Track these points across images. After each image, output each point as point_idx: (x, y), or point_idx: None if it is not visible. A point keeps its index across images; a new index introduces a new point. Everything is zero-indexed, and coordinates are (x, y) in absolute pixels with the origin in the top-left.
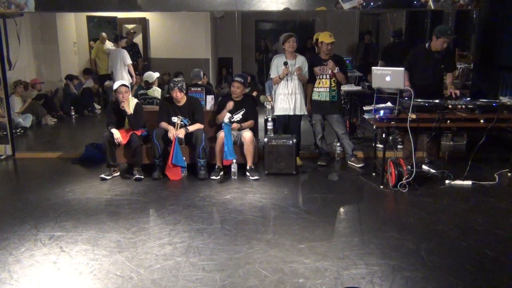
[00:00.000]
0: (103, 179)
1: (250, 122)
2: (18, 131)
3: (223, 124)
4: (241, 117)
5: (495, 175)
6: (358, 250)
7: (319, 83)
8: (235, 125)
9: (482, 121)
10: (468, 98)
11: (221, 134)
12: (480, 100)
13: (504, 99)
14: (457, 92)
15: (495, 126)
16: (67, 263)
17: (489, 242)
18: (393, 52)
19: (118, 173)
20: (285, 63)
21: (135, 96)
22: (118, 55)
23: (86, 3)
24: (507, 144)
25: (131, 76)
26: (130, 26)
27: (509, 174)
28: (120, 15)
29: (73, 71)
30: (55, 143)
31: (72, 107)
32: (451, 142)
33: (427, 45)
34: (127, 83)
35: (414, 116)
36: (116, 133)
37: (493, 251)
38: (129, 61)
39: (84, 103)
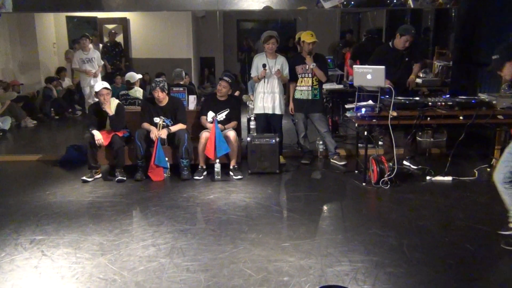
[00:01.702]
0: (84, 181)
1: (233, 123)
2: None
3: (209, 121)
4: (224, 117)
5: (475, 171)
6: (341, 247)
7: (301, 81)
8: (219, 126)
9: (461, 117)
10: (448, 95)
11: (204, 134)
12: (459, 97)
13: (483, 96)
14: (412, 84)
15: (474, 123)
16: (49, 267)
17: (470, 236)
18: (365, 51)
19: (100, 175)
20: (264, 66)
21: (117, 97)
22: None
23: (65, 3)
24: (486, 140)
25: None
26: (110, 26)
27: (488, 169)
28: (100, 15)
29: (53, 72)
30: (35, 146)
31: (52, 109)
32: (432, 139)
33: (390, 43)
34: (108, 86)
35: (395, 114)
36: (98, 135)
37: (474, 245)
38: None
39: (65, 105)
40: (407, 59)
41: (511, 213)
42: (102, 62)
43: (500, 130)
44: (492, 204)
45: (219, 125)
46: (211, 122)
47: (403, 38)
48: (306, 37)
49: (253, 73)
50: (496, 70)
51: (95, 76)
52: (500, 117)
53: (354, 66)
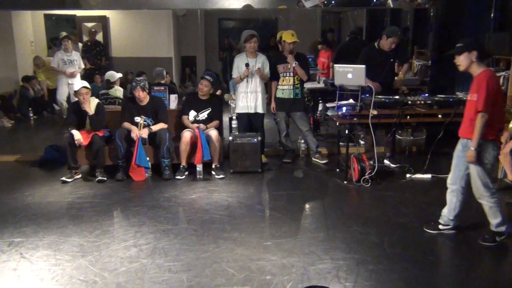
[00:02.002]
0: (64, 181)
1: (215, 123)
2: None
3: (195, 127)
4: (206, 116)
5: None
6: (323, 245)
7: (283, 81)
8: (201, 125)
9: (440, 116)
10: (427, 94)
11: (185, 134)
12: (438, 96)
13: (460, 95)
14: (404, 88)
15: (453, 121)
16: (28, 269)
17: (449, 233)
18: (348, 51)
19: (80, 175)
20: (247, 65)
21: (96, 96)
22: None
23: (43, 1)
24: None
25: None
26: (90, 25)
27: None
28: (80, 13)
29: (31, 71)
30: (13, 146)
31: (30, 109)
32: (411, 137)
33: (376, 44)
34: (88, 85)
35: (375, 112)
36: (77, 134)
37: (453, 241)
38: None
39: (43, 104)
40: (392, 60)
41: (443, 214)
42: (83, 66)
43: None
44: (469, 201)
45: (201, 125)
46: (193, 123)
47: (390, 39)
48: (287, 36)
49: (235, 74)
50: (454, 55)
51: (73, 76)
52: None
53: (335, 65)
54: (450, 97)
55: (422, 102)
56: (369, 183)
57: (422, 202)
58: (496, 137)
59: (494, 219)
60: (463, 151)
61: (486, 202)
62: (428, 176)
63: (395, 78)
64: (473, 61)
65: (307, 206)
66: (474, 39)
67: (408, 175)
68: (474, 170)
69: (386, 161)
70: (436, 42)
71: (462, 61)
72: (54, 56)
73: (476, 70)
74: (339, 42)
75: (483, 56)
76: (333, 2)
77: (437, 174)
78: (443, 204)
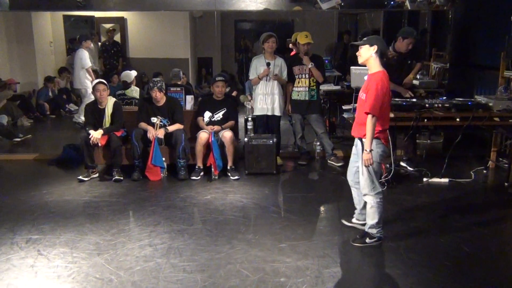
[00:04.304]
0: (81, 180)
1: (231, 123)
2: None
3: (211, 138)
4: (221, 116)
5: (471, 173)
6: (338, 249)
7: (298, 82)
8: (216, 127)
9: (458, 119)
10: (445, 97)
11: (201, 134)
12: (456, 99)
13: (479, 98)
14: (422, 91)
15: (471, 125)
16: (45, 266)
17: (466, 238)
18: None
19: (96, 175)
20: (268, 64)
21: (113, 96)
22: (77, 56)
23: (63, 2)
24: (483, 142)
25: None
26: (108, 26)
27: (484, 171)
28: (98, 14)
29: (50, 71)
30: (31, 145)
31: (47, 107)
32: (428, 141)
33: (391, 47)
34: (105, 82)
35: (392, 115)
36: (93, 133)
37: (470, 247)
38: (87, 63)
39: (60, 103)
40: (409, 61)
41: (357, 209)
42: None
43: (496, 132)
44: (488, 206)
45: (217, 127)
46: (208, 123)
47: (406, 40)
48: (301, 38)
49: (252, 75)
50: (357, 46)
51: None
52: (496, 119)
53: (351, 67)
54: (468, 101)
55: (440, 105)
56: (385, 187)
57: (438, 207)
58: (381, 135)
59: (371, 220)
60: (358, 151)
61: (369, 200)
62: (446, 180)
63: (408, 76)
64: (371, 56)
65: (322, 208)
66: (380, 38)
67: (425, 179)
68: (362, 167)
69: (402, 164)
70: (454, 45)
71: (362, 53)
72: (85, 57)
73: (373, 67)
74: None
75: (382, 54)
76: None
77: (455, 178)
78: (460, 208)
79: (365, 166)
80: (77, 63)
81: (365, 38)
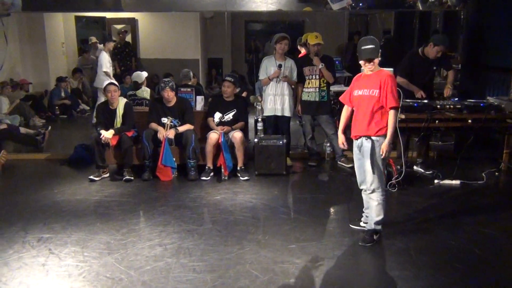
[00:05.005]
0: (92, 180)
1: (241, 124)
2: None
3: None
4: (231, 117)
5: (483, 175)
6: (348, 250)
7: (309, 83)
8: (226, 128)
9: (470, 121)
10: (457, 99)
11: (211, 135)
12: (468, 100)
13: (491, 99)
14: (450, 92)
15: (483, 126)
16: (56, 265)
17: (477, 240)
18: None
19: (107, 174)
20: (280, 66)
21: (124, 96)
22: (99, 57)
23: (75, 3)
24: (494, 144)
25: None
26: (119, 26)
27: (496, 173)
28: (109, 15)
29: (62, 71)
30: (43, 144)
31: (57, 107)
32: (440, 142)
33: (420, 50)
34: (116, 83)
35: (403, 116)
36: (104, 133)
37: (481, 249)
38: (104, 67)
39: (72, 103)
40: (435, 67)
41: (365, 213)
42: None
43: (509, 134)
44: (500, 208)
45: (227, 128)
46: (218, 124)
47: (436, 48)
48: (311, 39)
49: (262, 76)
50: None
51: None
52: (509, 120)
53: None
54: (480, 102)
55: (452, 106)
56: (396, 188)
57: (450, 209)
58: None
59: (377, 216)
60: (363, 151)
61: (376, 197)
62: (457, 182)
63: (446, 87)
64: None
65: (331, 210)
66: (377, 42)
67: (436, 181)
68: (373, 164)
69: (416, 167)
70: (466, 46)
71: (376, 62)
72: (104, 59)
73: (377, 67)
74: None
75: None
76: (361, 4)
77: (466, 180)
78: (472, 210)
79: (384, 155)
80: (99, 64)
81: (373, 47)
